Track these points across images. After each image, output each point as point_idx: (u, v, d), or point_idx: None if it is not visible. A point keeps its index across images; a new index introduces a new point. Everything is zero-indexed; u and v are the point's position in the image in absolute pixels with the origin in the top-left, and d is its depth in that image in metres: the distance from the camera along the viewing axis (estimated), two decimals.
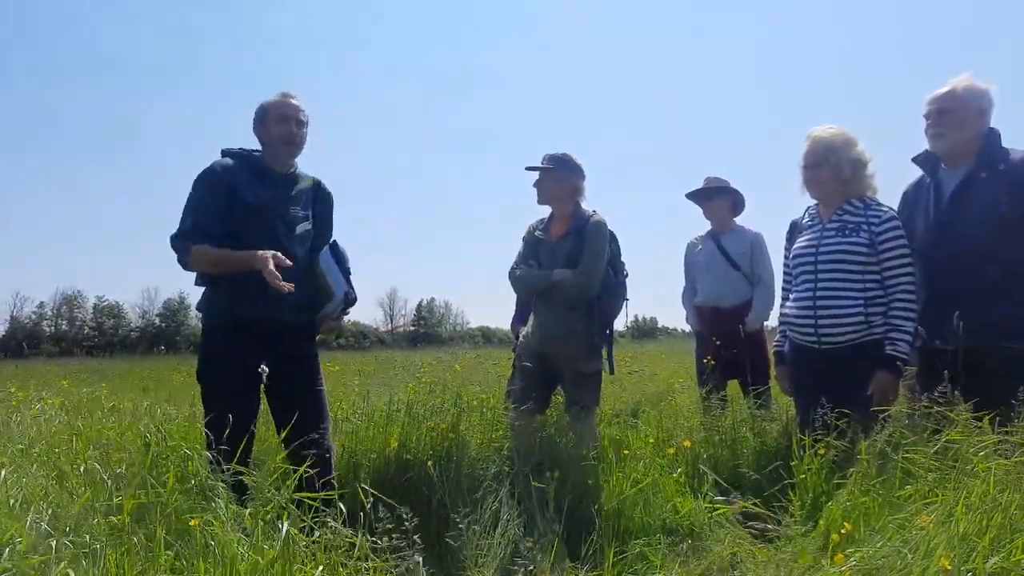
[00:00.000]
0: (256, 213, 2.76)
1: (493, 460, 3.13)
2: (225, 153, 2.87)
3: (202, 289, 2.86)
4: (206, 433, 2.42)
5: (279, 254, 2.56)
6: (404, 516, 1.96)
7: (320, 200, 3.04)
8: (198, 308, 2.87)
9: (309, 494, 2.11)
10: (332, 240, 3.04)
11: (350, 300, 3.00)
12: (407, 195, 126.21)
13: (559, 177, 3.55)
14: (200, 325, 2.90)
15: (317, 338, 3.06)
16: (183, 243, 2.68)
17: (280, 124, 2.83)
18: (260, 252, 2.54)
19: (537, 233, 3.68)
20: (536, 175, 3.62)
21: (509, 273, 3.73)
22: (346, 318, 3.15)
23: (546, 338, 3.53)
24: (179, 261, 2.71)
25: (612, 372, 3.70)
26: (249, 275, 2.60)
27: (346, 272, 3.01)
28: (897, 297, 2.83)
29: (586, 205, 3.63)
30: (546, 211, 3.74)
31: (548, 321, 3.53)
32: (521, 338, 3.74)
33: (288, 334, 2.83)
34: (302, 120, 2.87)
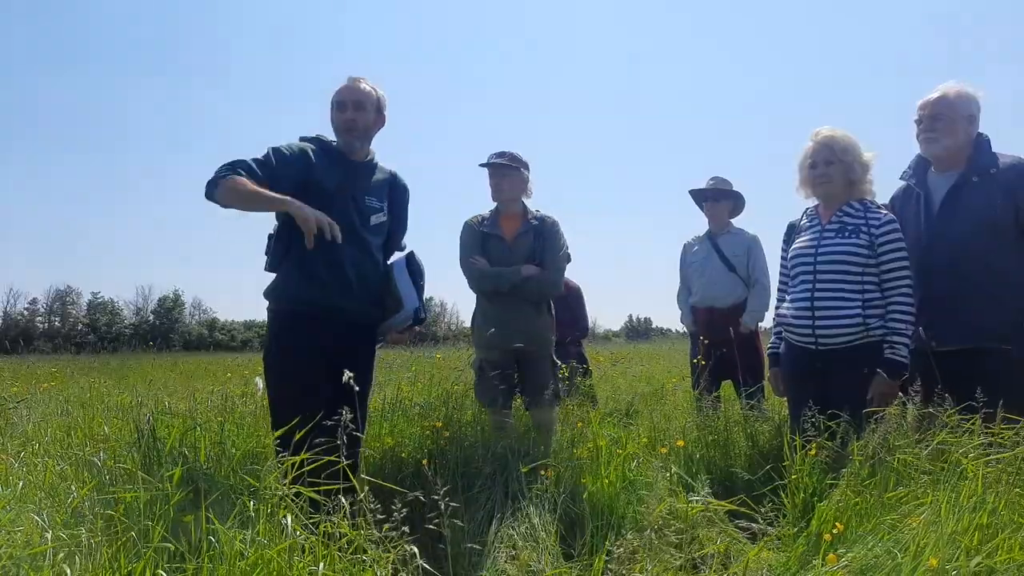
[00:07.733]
0: (331, 198, 2.67)
1: (486, 458, 3.13)
2: (303, 139, 2.81)
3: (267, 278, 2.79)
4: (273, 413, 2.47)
5: (335, 225, 2.47)
6: (396, 506, 1.92)
7: (396, 192, 2.98)
8: (266, 295, 2.77)
9: (318, 487, 1.99)
10: (410, 252, 2.96)
11: (419, 319, 2.90)
12: None
13: (520, 175, 3.62)
14: (267, 313, 2.79)
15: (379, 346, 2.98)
16: (226, 170, 2.49)
17: (338, 111, 2.79)
18: (311, 212, 2.44)
19: (483, 229, 3.65)
20: (487, 172, 3.64)
21: (468, 270, 3.63)
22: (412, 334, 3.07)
23: (509, 335, 3.49)
24: (207, 193, 2.50)
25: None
26: (318, 260, 2.60)
27: (419, 288, 2.90)
28: (895, 300, 2.82)
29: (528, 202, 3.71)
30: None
31: (511, 317, 3.52)
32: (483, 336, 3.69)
33: (352, 326, 2.77)
34: (361, 103, 2.78)
